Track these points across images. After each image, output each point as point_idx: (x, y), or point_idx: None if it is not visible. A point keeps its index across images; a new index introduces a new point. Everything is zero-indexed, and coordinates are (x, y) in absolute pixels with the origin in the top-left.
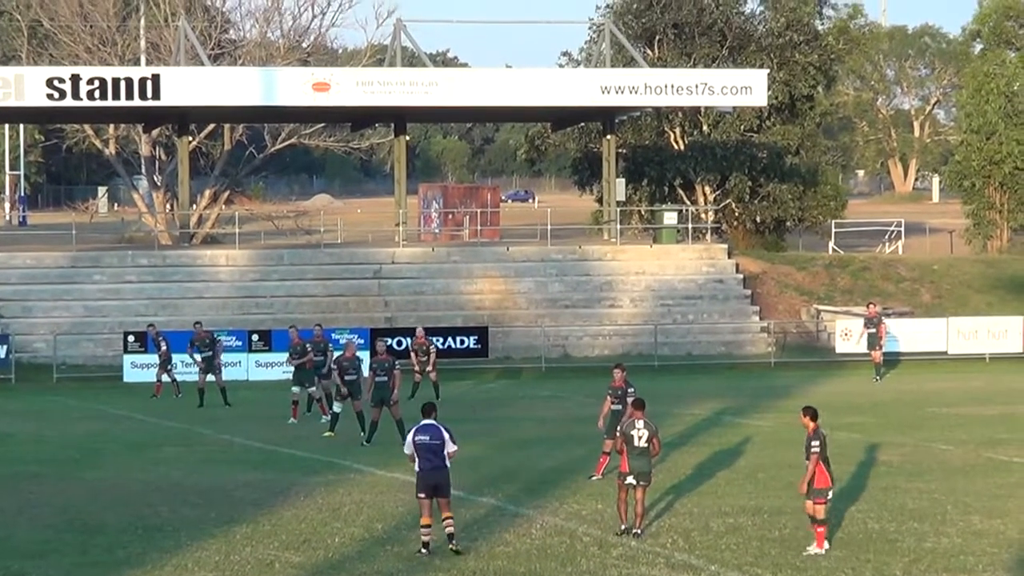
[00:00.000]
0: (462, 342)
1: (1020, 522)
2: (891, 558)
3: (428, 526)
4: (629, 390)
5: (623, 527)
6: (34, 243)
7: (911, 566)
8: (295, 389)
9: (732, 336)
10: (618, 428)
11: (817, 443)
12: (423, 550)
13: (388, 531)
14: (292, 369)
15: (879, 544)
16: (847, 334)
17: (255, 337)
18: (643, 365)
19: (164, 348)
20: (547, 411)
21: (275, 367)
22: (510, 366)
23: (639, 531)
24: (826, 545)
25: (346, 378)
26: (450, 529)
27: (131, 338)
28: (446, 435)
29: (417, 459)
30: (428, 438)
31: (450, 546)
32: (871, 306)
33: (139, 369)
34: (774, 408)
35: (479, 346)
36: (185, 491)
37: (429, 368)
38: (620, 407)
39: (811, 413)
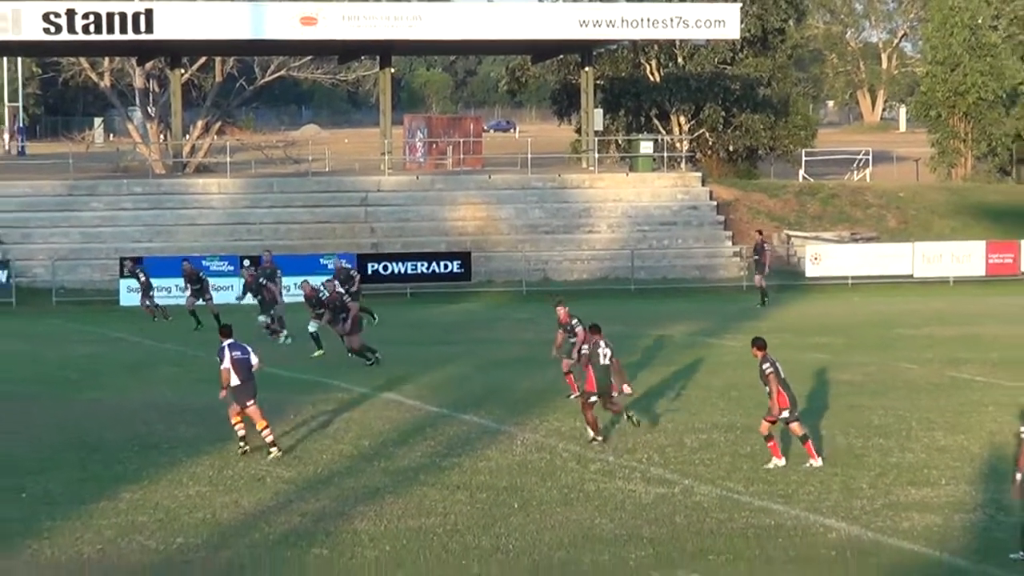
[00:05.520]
0: (446, 267)
1: (982, 438)
2: (858, 472)
3: (242, 423)
4: (573, 322)
5: (599, 437)
6: (33, 172)
7: (877, 480)
8: (261, 319)
9: (706, 260)
10: (581, 354)
11: (768, 365)
12: (243, 444)
13: (375, 447)
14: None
15: (846, 459)
16: (816, 258)
17: (247, 262)
18: (620, 288)
19: (144, 279)
20: (527, 333)
21: None
22: (492, 289)
23: (631, 415)
24: (781, 460)
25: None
26: (270, 437)
27: (127, 263)
28: (251, 350)
29: (235, 374)
30: (240, 353)
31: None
32: (758, 234)
33: (135, 293)
34: (746, 329)
35: (462, 270)
36: (180, 410)
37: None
38: (572, 338)
39: (759, 343)
